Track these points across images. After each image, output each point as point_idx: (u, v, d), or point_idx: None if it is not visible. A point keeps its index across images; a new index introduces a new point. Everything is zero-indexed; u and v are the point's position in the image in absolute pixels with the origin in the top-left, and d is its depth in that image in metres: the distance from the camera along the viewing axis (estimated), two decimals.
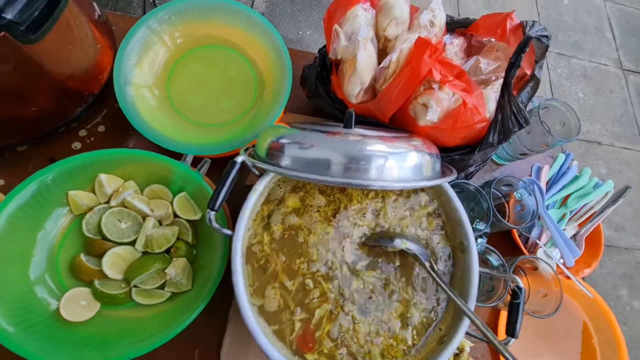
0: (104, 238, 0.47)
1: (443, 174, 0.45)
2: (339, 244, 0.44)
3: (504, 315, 0.61)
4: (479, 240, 0.60)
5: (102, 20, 0.56)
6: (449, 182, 0.47)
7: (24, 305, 0.40)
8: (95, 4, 0.55)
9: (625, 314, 1.49)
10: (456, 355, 0.54)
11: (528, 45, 0.45)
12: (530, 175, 0.71)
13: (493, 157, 0.73)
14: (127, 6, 1.48)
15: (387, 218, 0.45)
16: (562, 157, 0.71)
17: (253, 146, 0.47)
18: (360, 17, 0.50)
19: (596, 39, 2.05)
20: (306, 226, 0.44)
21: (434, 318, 0.43)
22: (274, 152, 0.41)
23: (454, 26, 0.59)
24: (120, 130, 0.61)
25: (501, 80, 0.54)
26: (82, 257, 0.46)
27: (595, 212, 0.68)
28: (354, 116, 0.44)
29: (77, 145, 0.59)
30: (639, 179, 1.75)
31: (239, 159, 0.39)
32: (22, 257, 0.43)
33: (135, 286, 0.46)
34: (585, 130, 1.81)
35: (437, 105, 0.48)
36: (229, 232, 0.39)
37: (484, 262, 0.59)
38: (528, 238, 0.67)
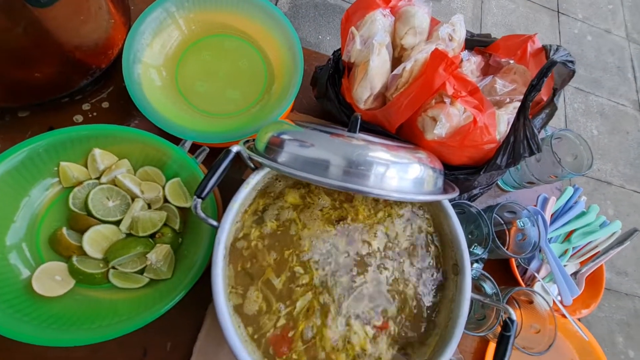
0: (89, 214, 0.46)
1: (445, 191, 0.44)
2: (345, 243, 0.42)
3: (492, 347, 0.58)
4: (475, 265, 0.58)
5: None
6: (449, 200, 0.45)
7: None
8: None
9: None
10: None
11: (552, 70, 0.43)
12: (535, 205, 0.68)
13: (499, 183, 0.71)
14: None
15: (398, 241, 0.44)
16: (570, 190, 0.69)
17: (254, 140, 0.45)
18: (379, 22, 0.49)
19: (617, 78, 2.02)
20: (302, 220, 0.42)
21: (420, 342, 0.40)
22: (273, 147, 0.40)
23: (474, 43, 0.58)
24: (124, 109, 0.60)
25: (515, 103, 0.52)
26: (64, 230, 0.44)
27: (599, 251, 0.65)
28: (359, 121, 0.42)
29: (78, 117, 0.58)
30: None
31: (234, 148, 0.38)
32: (1, 222, 0.42)
33: (113, 267, 0.45)
34: (596, 169, 1.77)
35: (446, 120, 0.46)
36: (214, 223, 0.38)
37: (477, 288, 0.57)
38: (526, 270, 0.64)
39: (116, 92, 0.60)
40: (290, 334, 0.38)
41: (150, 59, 0.55)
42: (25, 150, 0.42)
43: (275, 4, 1.60)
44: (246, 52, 0.62)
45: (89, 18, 0.47)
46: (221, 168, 0.37)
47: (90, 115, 0.58)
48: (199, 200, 0.36)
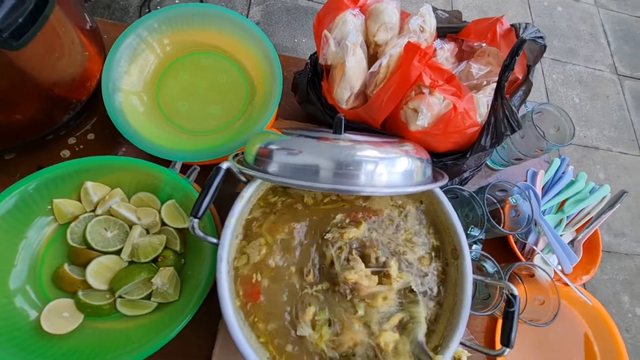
0: (89, 247, 0.46)
1: (435, 179, 0.45)
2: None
3: (501, 324, 0.59)
4: (474, 246, 0.59)
5: (92, 28, 0.55)
6: (440, 187, 0.46)
7: (1, 317, 0.39)
8: (84, 12, 0.54)
9: (627, 320, 1.47)
10: None
11: (522, 48, 0.44)
12: (525, 181, 0.70)
13: (488, 163, 0.73)
14: (124, 16, 1.49)
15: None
16: (557, 161, 0.70)
17: (243, 153, 0.46)
18: (350, 22, 0.50)
19: (591, 45, 2.06)
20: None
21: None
22: (262, 158, 0.40)
23: (445, 31, 0.59)
24: (110, 138, 0.60)
25: (492, 85, 0.53)
26: (66, 267, 0.45)
27: (592, 217, 0.67)
28: (343, 121, 0.43)
29: (65, 153, 0.58)
30: (636, 184, 1.75)
31: (224, 165, 0.38)
32: (1, 268, 0.42)
33: (120, 297, 0.45)
34: (582, 136, 1.80)
35: (427, 110, 0.47)
36: (214, 240, 0.38)
37: (479, 269, 0.58)
38: (525, 244, 0.66)
39: (100, 123, 0.60)
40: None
41: (130, 86, 0.56)
42: (15, 194, 0.42)
43: (247, 14, 1.60)
44: (224, 67, 0.63)
45: (63, 54, 0.47)
46: (213, 186, 0.37)
47: (77, 149, 0.58)
48: (196, 220, 0.36)
